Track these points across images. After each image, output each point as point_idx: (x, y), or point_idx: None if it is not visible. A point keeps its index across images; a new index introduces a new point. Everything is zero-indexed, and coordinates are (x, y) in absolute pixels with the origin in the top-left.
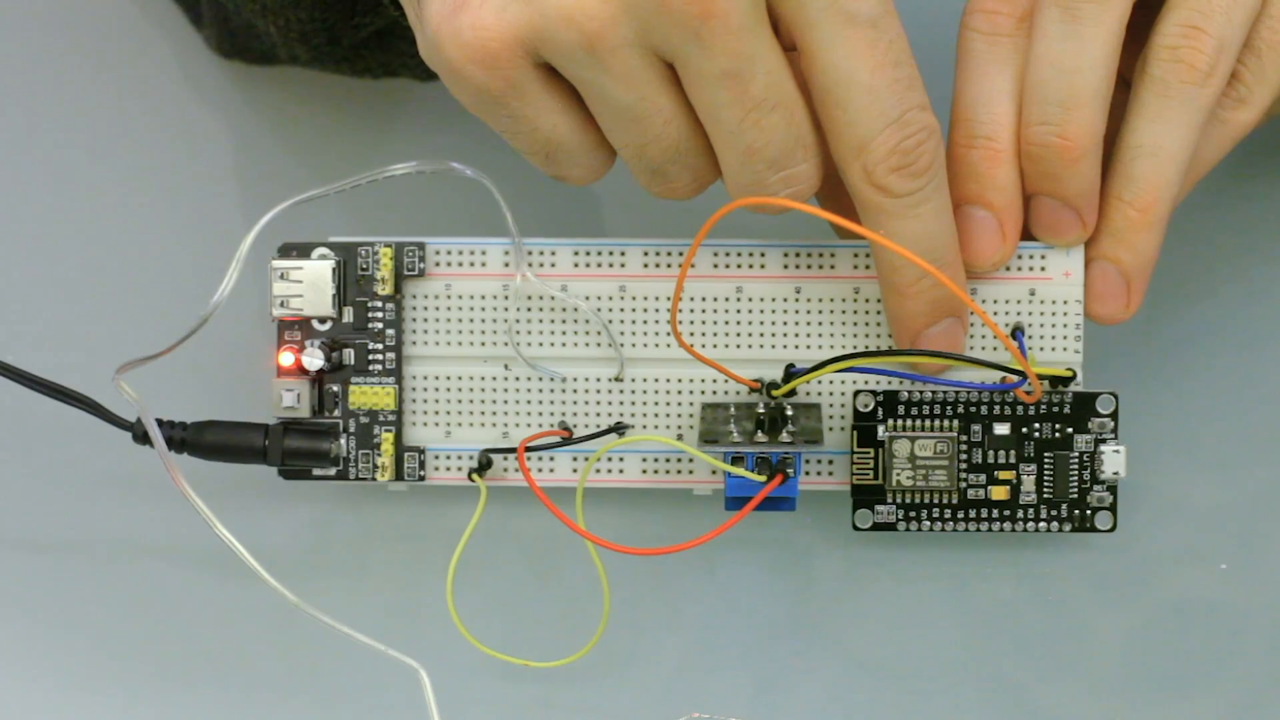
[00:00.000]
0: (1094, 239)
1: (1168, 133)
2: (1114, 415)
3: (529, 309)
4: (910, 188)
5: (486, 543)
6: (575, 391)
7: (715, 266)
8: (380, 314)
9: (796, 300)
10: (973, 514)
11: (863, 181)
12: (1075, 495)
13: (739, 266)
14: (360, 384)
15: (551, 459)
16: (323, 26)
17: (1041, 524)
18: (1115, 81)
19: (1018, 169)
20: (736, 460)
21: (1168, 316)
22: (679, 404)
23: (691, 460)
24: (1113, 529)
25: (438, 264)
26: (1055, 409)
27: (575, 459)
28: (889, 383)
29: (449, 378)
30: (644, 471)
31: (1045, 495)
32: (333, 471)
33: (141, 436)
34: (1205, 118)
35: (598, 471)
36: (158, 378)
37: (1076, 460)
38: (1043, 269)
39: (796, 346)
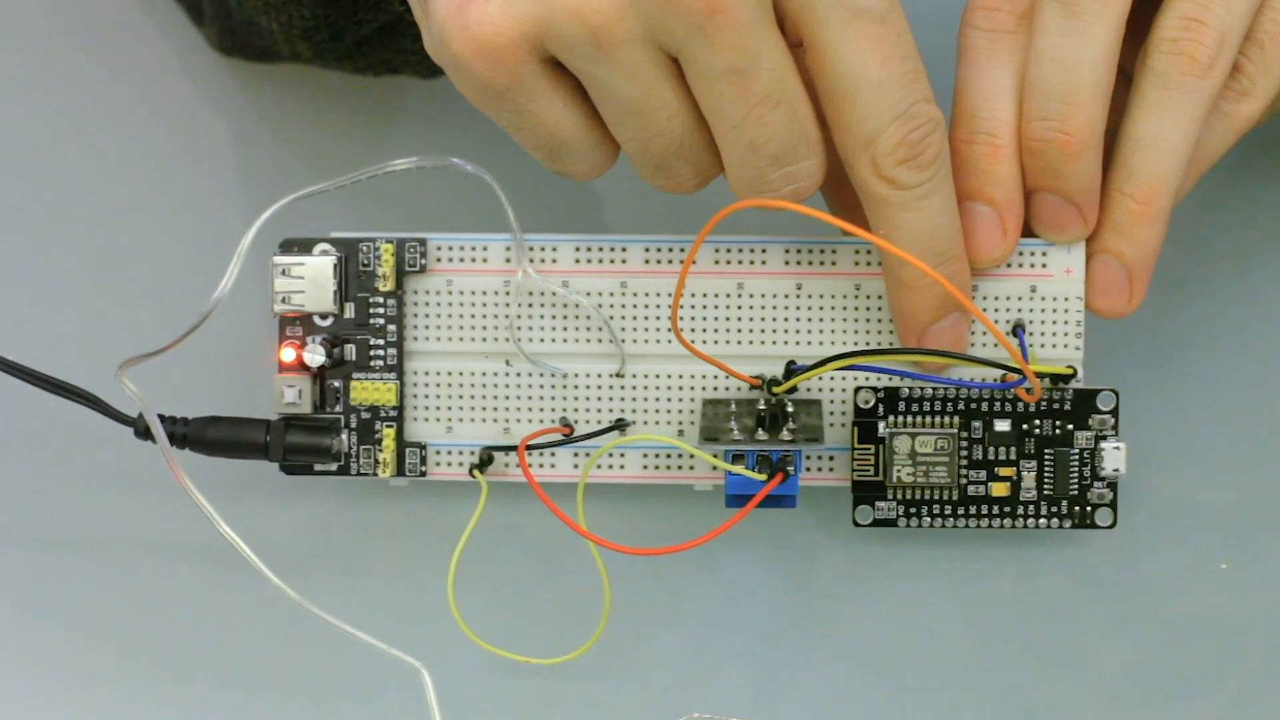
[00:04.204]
0: (1096, 232)
1: (1169, 125)
2: (1114, 412)
3: (530, 305)
4: (918, 179)
5: (488, 539)
6: (576, 387)
7: (716, 263)
8: (382, 310)
9: (798, 296)
10: (973, 510)
11: (870, 174)
12: (1075, 492)
13: (740, 263)
14: (362, 380)
15: (553, 454)
16: (325, 23)
17: (1042, 520)
18: (1116, 77)
19: (1019, 165)
20: (737, 458)
21: (1169, 314)
22: (680, 400)
23: (692, 456)
24: (1113, 526)
25: (439, 260)
26: (1056, 406)
27: (576, 455)
28: (890, 379)
29: (450, 373)
30: (645, 467)
31: (1046, 492)
32: (334, 467)
33: (143, 432)
34: (1207, 110)
35: (598, 468)
36: (160, 374)
37: (1077, 457)
38: (1044, 266)
39: (798, 343)
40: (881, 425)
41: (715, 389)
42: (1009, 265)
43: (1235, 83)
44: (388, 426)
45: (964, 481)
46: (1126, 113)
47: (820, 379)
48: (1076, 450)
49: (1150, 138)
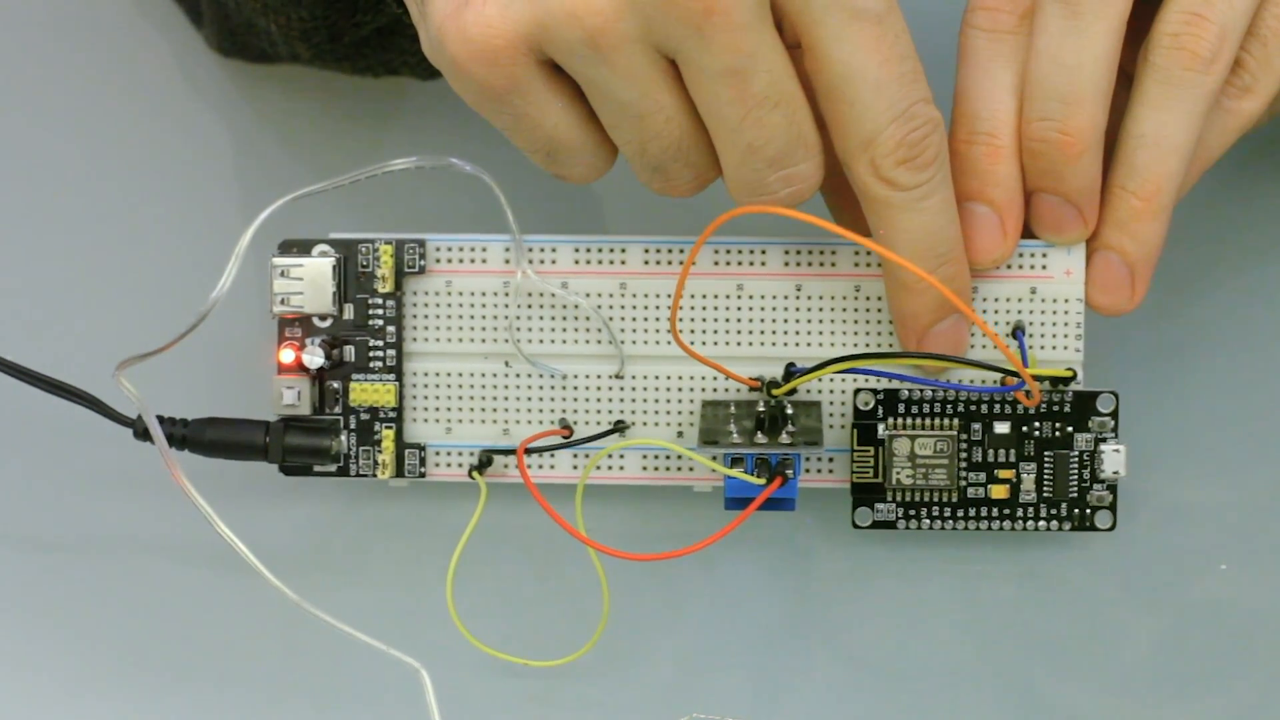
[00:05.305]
0: (1098, 229)
1: (1171, 121)
2: (1114, 414)
3: (529, 306)
4: (917, 180)
5: (487, 540)
6: (575, 389)
7: (716, 264)
8: (381, 311)
9: (797, 298)
10: (973, 512)
11: (870, 175)
12: (1075, 494)
13: (740, 264)
14: (361, 381)
15: (552, 456)
16: (324, 24)
17: (1041, 523)
18: (1117, 77)
19: (1019, 165)
20: (736, 462)
21: (1169, 316)
22: (679, 401)
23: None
24: (1112, 528)
25: (438, 261)
26: (1055, 408)
27: (576, 456)
28: (889, 381)
29: (449, 374)
30: (644, 469)
31: (1045, 494)
32: (333, 468)
33: (142, 433)
34: (1208, 106)
35: (598, 469)
36: (158, 375)
37: (1076, 459)
38: (1044, 267)
39: (797, 344)
40: (881, 427)
41: (715, 390)
42: (1009, 267)
43: (1237, 79)
44: (387, 428)
45: (963, 484)
46: (1128, 109)
47: (820, 381)
48: (1076, 452)
49: (1152, 134)
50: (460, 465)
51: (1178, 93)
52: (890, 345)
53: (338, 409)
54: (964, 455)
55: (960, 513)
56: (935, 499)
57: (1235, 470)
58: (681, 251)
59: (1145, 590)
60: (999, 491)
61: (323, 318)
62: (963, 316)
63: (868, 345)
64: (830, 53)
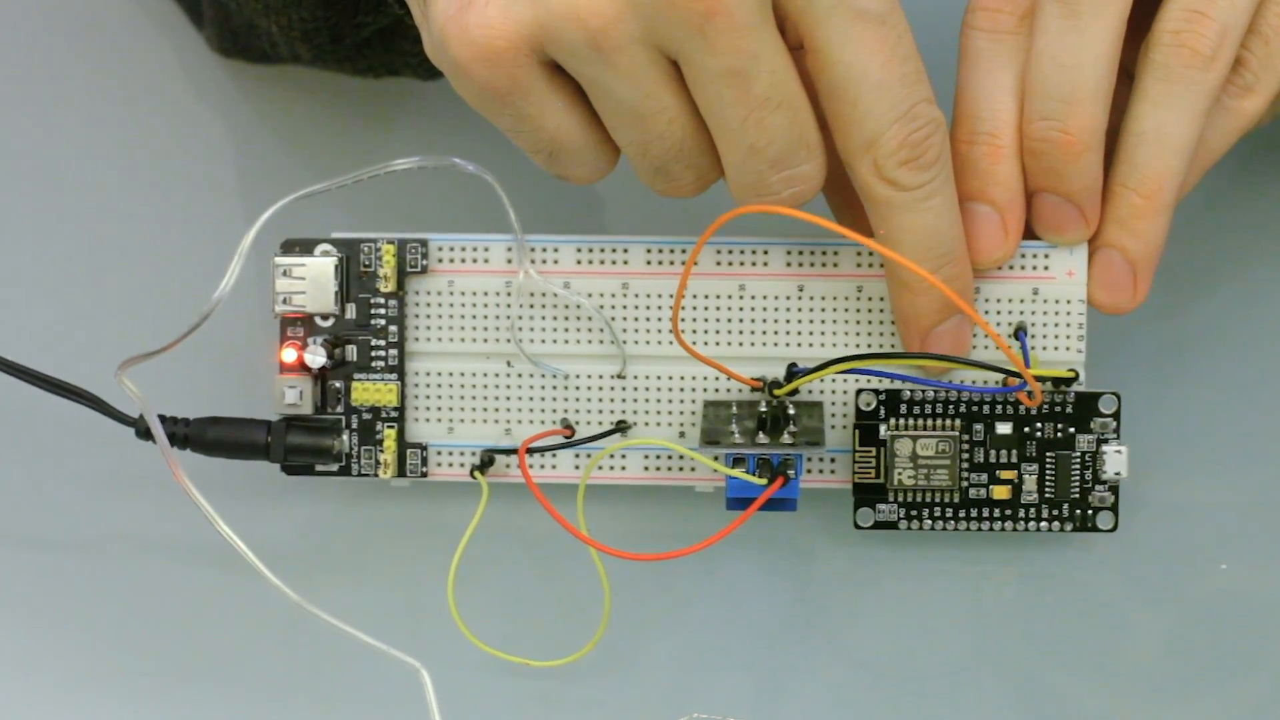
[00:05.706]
0: (1099, 227)
1: (1172, 119)
2: (1116, 415)
3: (531, 306)
4: (920, 180)
5: (488, 540)
6: (577, 389)
7: (718, 264)
8: (383, 310)
9: (799, 298)
10: (974, 513)
11: (872, 176)
12: (1077, 495)
13: (742, 264)
14: (363, 380)
15: (554, 455)
16: (325, 25)
17: (1043, 524)
18: (1118, 77)
19: (1020, 165)
20: (738, 462)
21: (1171, 316)
22: (681, 401)
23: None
24: (1114, 529)
25: (440, 260)
26: (1057, 409)
27: (577, 455)
28: (891, 382)
29: (451, 374)
30: (646, 469)
31: (1047, 495)
32: (335, 468)
33: (144, 433)
34: (1209, 103)
35: (600, 469)
36: (160, 374)
37: (1078, 460)
38: (1046, 268)
39: (799, 345)
40: (883, 428)
41: (717, 390)
42: (1011, 267)
43: (1238, 78)
44: (389, 427)
45: (965, 484)
46: (1129, 107)
47: (822, 381)
48: (1078, 453)
49: (1153, 131)
50: (462, 465)
51: (1179, 90)
52: (892, 346)
53: (340, 408)
54: (966, 456)
55: (962, 513)
56: (937, 499)
57: (1236, 470)
58: (684, 252)
59: (1147, 590)
60: (1001, 492)
61: (325, 317)
62: (965, 317)
63: (870, 346)
64: (833, 53)
